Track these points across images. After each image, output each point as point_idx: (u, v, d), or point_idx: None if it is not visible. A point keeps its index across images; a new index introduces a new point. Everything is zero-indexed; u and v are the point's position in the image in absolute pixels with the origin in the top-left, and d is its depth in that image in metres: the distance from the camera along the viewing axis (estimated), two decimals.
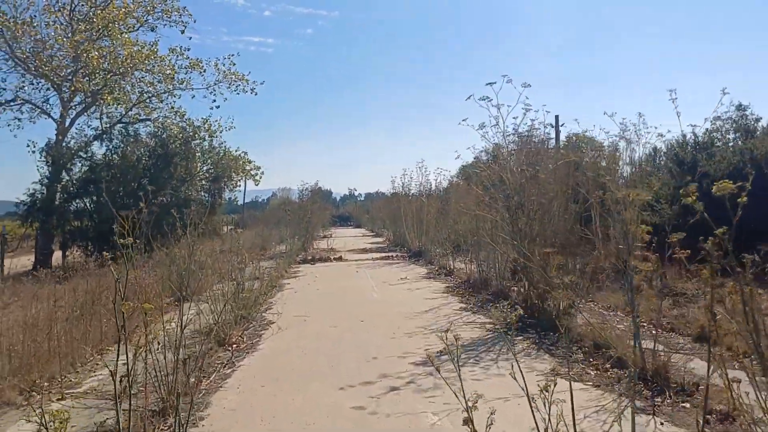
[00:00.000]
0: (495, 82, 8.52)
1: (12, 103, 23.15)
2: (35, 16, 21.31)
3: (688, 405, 4.93)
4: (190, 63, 24.44)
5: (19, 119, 23.77)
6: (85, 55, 21.05)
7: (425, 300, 11.25)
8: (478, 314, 9.58)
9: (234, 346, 7.86)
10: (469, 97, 8.71)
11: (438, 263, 17.07)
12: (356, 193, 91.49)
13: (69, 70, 22.03)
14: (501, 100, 8.75)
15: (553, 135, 12.03)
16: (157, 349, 5.22)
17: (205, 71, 24.72)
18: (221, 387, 6.11)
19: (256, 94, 26.02)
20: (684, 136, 14.27)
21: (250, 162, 28.05)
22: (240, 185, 28.47)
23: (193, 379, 5.56)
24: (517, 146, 8.83)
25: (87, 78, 21.57)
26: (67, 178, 21.55)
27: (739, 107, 15.55)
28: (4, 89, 22.49)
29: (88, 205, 21.10)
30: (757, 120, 15.42)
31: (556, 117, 15.96)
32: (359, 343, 7.71)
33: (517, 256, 8.66)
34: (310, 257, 20.93)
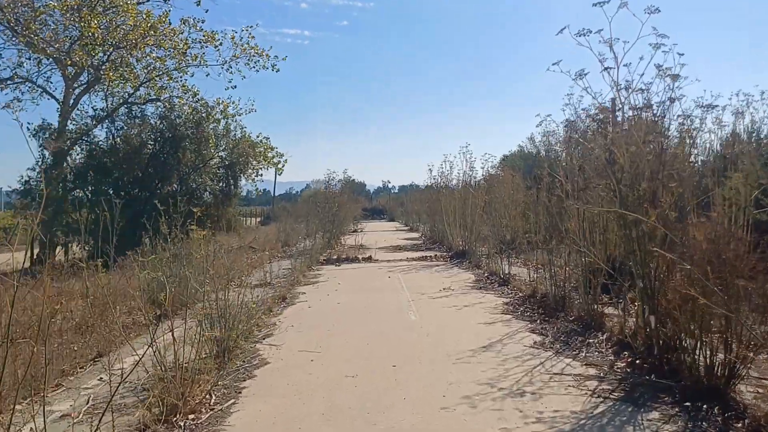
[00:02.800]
0: (606, 1, 5.43)
1: (9, 82, 20.76)
2: None
3: None
4: (204, 36, 21.73)
5: (19, 99, 21.39)
6: (83, 24, 18.50)
7: (481, 326, 8.25)
8: (564, 356, 6.54)
9: (189, 418, 4.96)
10: (562, 30, 5.70)
11: (487, 267, 14.03)
12: (390, 186, 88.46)
13: (68, 44, 19.53)
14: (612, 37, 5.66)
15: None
16: None
17: (221, 44, 21.99)
18: None
19: (277, 71, 23.14)
20: None
21: (272, 149, 25.32)
22: (262, 174, 25.80)
23: None
24: (633, 108, 5.71)
25: (86, 50, 19.00)
26: (65, 164, 19.07)
27: None
28: None
29: (87, 195, 18.56)
30: None
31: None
32: (391, 423, 4.76)
33: (638, 270, 5.61)
34: (335, 256, 18.08)
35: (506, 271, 12.47)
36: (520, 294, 10.52)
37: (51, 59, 20.58)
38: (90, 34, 18.67)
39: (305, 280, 13.71)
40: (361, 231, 32.44)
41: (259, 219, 56.40)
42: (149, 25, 19.63)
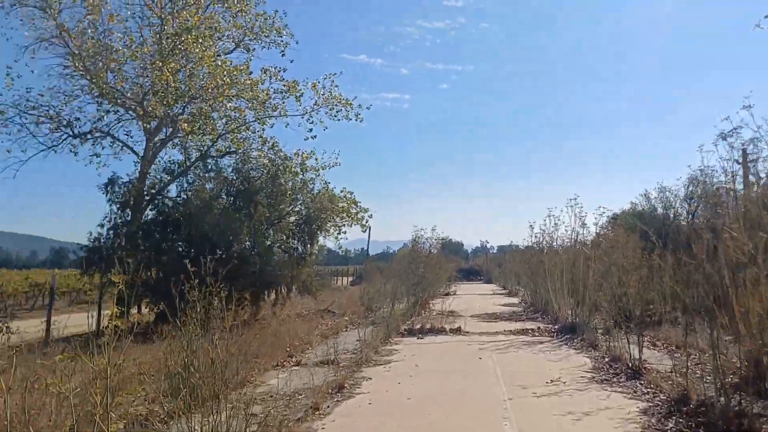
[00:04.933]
0: None
1: (88, 136, 20.20)
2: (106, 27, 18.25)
3: None
4: (285, 86, 20.42)
5: (98, 155, 20.80)
6: (155, 73, 17.61)
7: None
8: None
9: None
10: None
11: (606, 348, 10.99)
12: (488, 245, 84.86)
13: (141, 94, 18.75)
14: None
15: None
16: None
17: (302, 95, 20.59)
18: None
19: (361, 121, 21.46)
20: None
21: (356, 203, 23.37)
22: (345, 231, 23.84)
23: None
24: None
25: (160, 100, 18.07)
26: (131, 221, 17.88)
27: None
28: (78, 119, 19.55)
29: (151, 253, 17.16)
30: None
31: None
32: None
33: None
34: (418, 325, 15.51)
35: (635, 357, 9.44)
36: (662, 395, 7.53)
37: (129, 112, 19.91)
38: (163, 83, 17.73)
39: (376, 358, 11.22)
40: (454, 294, 29.65)
41: (351, 278, 54.80)
42: (225, 72, 18.50)
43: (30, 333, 14.17)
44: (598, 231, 16.05)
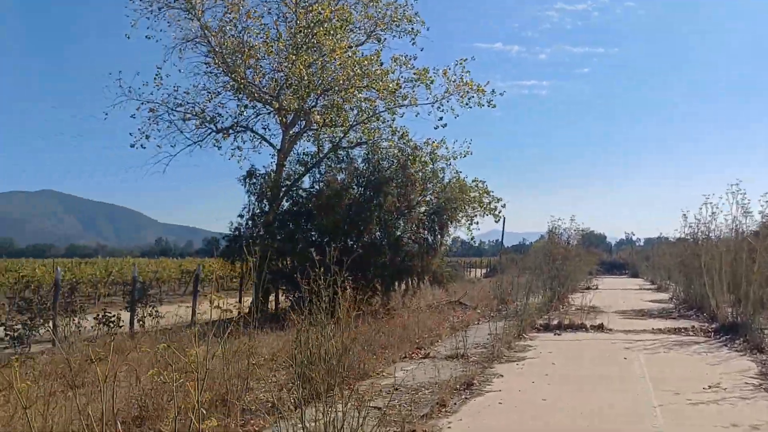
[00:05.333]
0: None
1: (230, 131, 21.16)
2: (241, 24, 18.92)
3: None
4: (415, 74, 20.12)
5: (240, 148, 21.75)
6: (289, 66, 18.00)
7: None
8: None
9: None
10: None
11: None
12: (634, 238, 79.76)
13: (277, 88, 19.28)
14: None
15: None
16: None
17: (432, 82, 20.18)
18: None
19: (493, 107, 20.70)
20: None
21: (488, 193, 22.62)
22: (477, 222, 23.12)
23: None
24: None
25: (294, 93, 18.46)
26: (269, 212, 18.45)
27: None
28: (220, 115, 20.51)
29: (286, 243, 17.60)
30: None
31: None
32: None
33: None
34: (555, 321, 14.58)
35: None
36: None
37: (266, 106, 20.57)
38: (297, 76, 18.09)
39: (509, 354, 10.59)
40: (595, 288, 27.97)
41: (484, 270, 53.76)
42: (356, 63, 18.52)
43: (178, 317, 15.07)
44: (764, 220, 14.15)
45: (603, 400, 7.28)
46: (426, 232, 18.61)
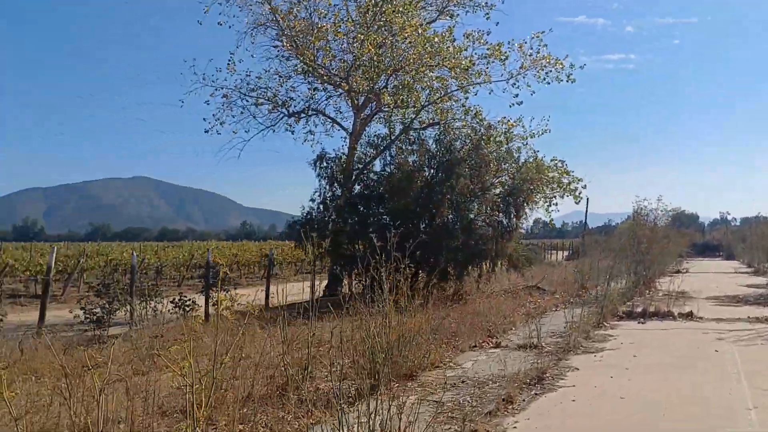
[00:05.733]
0: None
1: (302, 114, 21.18)
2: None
3: None
4: (488, 50, 19.38)
5: (312, 132, 21.78)
6: (358, 47, 17.72)
7: None
8: None
9: None
10: None
11: None
12: (729, 218, 75.13)
13: (345, 69, 19.04)
14: None
15: None
16: None
17: (507, 58, 19.39)
18: None
19: (573, 82, 19.70)
20: None
21: (567, 173, 21.62)
22: (556, 203, 22.16)
23: None
24: None
25: (363, 75, 18.18)
26: (340, 195, 18.31)
27: None
28: (292, 99, 20.54)
29: (356, 226, 17.42)
30: None
31: None
32: None
33: None
34: (640, 308, 13.71)
35: None
36: None
37: (337, 89, 20.42)
38: (366, 57, 17.78)
39: (587, 344, 9.94)
40: (685, 272, 26.35)
41: (566, 253, 52.02)
42: (426, 41, 17.98)
43: (254, 301, 15.21)
44: None
45: (690, 399, 6.62)
46: (500, 214, 17.97)
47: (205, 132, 19.80)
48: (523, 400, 6.58)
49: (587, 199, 47.74)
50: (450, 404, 6.51)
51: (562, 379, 7.60)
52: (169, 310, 13.40)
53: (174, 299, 13.90)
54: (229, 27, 19.47)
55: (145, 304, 12.96)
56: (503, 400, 6.41)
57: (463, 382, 7.52)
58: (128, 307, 12.53)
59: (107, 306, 12.15)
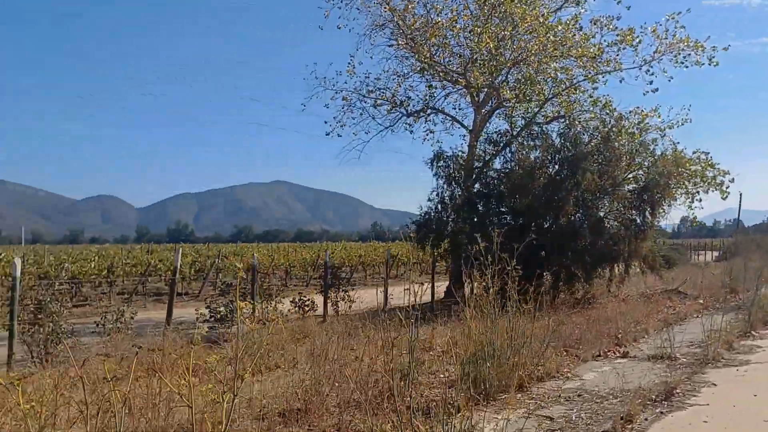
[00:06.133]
0: None
1: (421, 114, 20.96)
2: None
3: None
4: (618, 36, 18.08)
5: (432, 131, 21.51)
6: (476, 40, 17.19)
7: None
8: None
9: None
10: None
11: None
12: None
13: (462, 64, 18.56)
14: None
15: None
16: None
17: (639, 42, 17.96)
18: None
19: (716, 65, 17.89)
20: None
21: (712, 166, 19.71)
22: (700, 199, 20.23)
23: None
24: None
25: (480, 69, 17.59)
26: (459, 194, 17.84)
27: None
28: (410, 98, 20.36)
29: (475, 227, 16.85)
30: None
31: None
32: None
33: None
34: None
35: None
36: None
37: (456, 85, 20.00)
38: (483, 50, 17.21)
39: (729, 356, 8.83)
40: None
41: (716, 254, 47.79)
42: (548, 29, 17.07)
43: (364, 302, 15.20)
44: None
45: None
46: (634, 211, 16.64)
47: (326, 135, 20.12)
48: (645, 419, 5.85)
49: (740, 194, 43.53)
50: (561, 420, 5.94)
51: (695, 395, 6.73)
52: (288, 310, 13.71)
53: (294, 299, 14.20)
54: (350, 30, 19.63)
55: (266, 304, 13.35)
56: (621, 418, 5.73)
57: (579, 395, 6.88)
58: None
59: (230, 305, 12.62)
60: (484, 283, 17.41)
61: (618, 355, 9.30)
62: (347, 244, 46.53)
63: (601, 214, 16.62)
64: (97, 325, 10.42)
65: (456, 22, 17.61)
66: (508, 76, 18.54)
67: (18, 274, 8.85)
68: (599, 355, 9.26)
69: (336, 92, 19.73)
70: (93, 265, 19.94)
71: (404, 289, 7.19)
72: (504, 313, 7.72)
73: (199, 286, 23.47)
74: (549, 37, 17.30)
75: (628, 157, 16.88)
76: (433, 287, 19.07)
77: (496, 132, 18.79)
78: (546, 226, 16.40)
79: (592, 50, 17.89)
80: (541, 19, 17.16)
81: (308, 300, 14.20)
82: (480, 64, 17.33)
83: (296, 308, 13.90)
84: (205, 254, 31.58)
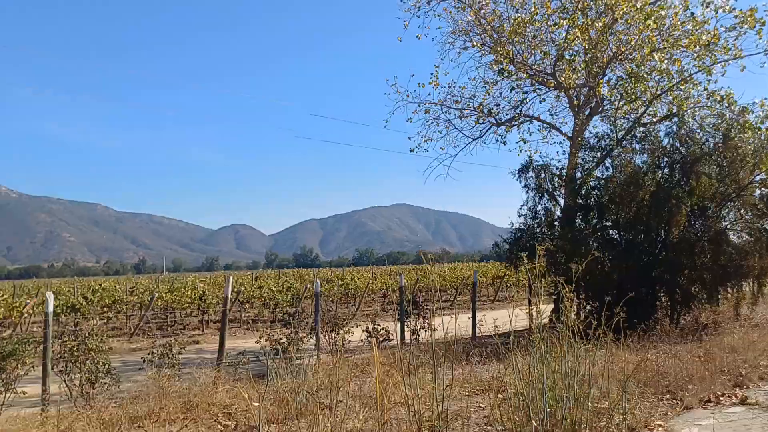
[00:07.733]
0: None
1: (513, 122, 19.33)
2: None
3: None
4: (737, 18, 15.59)
5: (525, 140, 19.82)
6: (564, 34, 15.48)
7: None
8: None
9: None
10: None
11: None
12: None
13: (550, 63, 16.83)
14: None
15: None
16: None
17: (764, 24, 15.38)
18: None
19: None
20: None
21: None
22: None
23: None
24: None
25: (571, 66, 15.84)
26: (554, 206, 16.05)
27: None
28: (498, 105, 18.80)
29: (572, 243, 14.94)
30: None
31: None
32: None
33: None
34: None
35: None
36: None
37: (547, 87, 18.23)
38: (577, 46, 15.47)
39: None
40: None
41: None
42: (648, 15, 14.97)
43: (448, 329, 13.74)
44: None
45: None
46: (766, 220, 14.03)
47: (411, 151, 19.00)
48: None
49: None
50: None
51: None
52: (361, 340, 12.65)
53: (368, 327, 13.11)
54: (432, 39, 18.55)
55: (334, 334, 12.40)
56: None
57: None
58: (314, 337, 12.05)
59: (293, 335, 11.75)
60: (575, 308, 15.33)
61: (734, 401, 7.32)
62: (472, 264, 44.70)
63: (725, 224, 14.19)
64: (144, 361, 9.90)
65: (535, 16, 15.91)
66: (605, 73, 16.57)
67: (50, 309, 8.43)
68: (709, 401, 7.34)
69: (419, 105, 18.61)
70: (188, 294, 19.96)
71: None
72: (584, 343, 6.22)
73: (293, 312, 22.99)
74: (649, 24, 15.21)
75: (754, 156, 14.32)
76: (530, 311, 17.24)
77: (594, 136, 16.74)
78: (657, 239, 14.24)
79: (705, 38, 15.52)
80: (639, 5, 15.11)
81: (382, 328, 13.05)
82: (569, 61, 15.56)
83: (370, 337, 12.80)
84: (309, 279, 31.38)
